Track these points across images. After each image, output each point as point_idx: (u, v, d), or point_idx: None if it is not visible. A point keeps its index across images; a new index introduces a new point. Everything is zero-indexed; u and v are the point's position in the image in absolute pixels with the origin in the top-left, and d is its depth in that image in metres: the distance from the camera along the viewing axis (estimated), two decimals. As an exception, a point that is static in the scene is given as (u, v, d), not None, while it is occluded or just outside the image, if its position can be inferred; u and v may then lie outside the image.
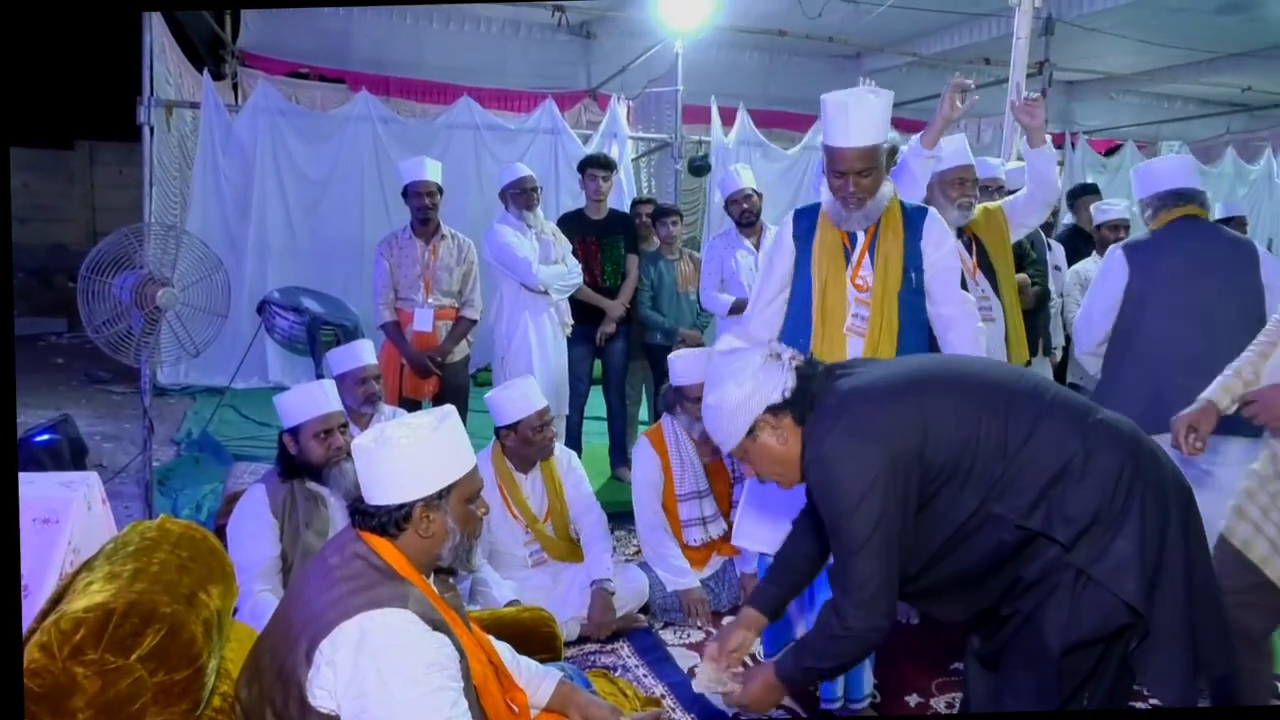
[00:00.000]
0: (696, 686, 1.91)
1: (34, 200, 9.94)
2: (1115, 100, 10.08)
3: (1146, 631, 1.53)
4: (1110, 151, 9.41)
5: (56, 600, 1.44)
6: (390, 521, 1.60)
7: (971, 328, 2.50)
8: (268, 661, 1.55)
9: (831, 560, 1.67)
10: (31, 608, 1.42)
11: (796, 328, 2.48)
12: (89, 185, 10.83)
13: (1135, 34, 7.64)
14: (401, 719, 1.44)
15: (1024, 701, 1.58)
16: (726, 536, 3.32)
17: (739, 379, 1.66)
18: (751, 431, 1.67)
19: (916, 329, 2.43)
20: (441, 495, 1.62)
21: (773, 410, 1.65)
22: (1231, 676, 1.68)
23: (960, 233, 3.12)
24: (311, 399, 2.64)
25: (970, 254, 3.16)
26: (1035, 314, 3.81)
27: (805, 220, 2.51)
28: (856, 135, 2.25)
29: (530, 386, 3.16)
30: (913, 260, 2.41)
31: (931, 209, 2.53)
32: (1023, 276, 3.43)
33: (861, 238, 2.43)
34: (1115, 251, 2.93)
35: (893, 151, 2.58)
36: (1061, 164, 8.22)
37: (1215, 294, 2.72)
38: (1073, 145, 8.70)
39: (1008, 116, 4.49)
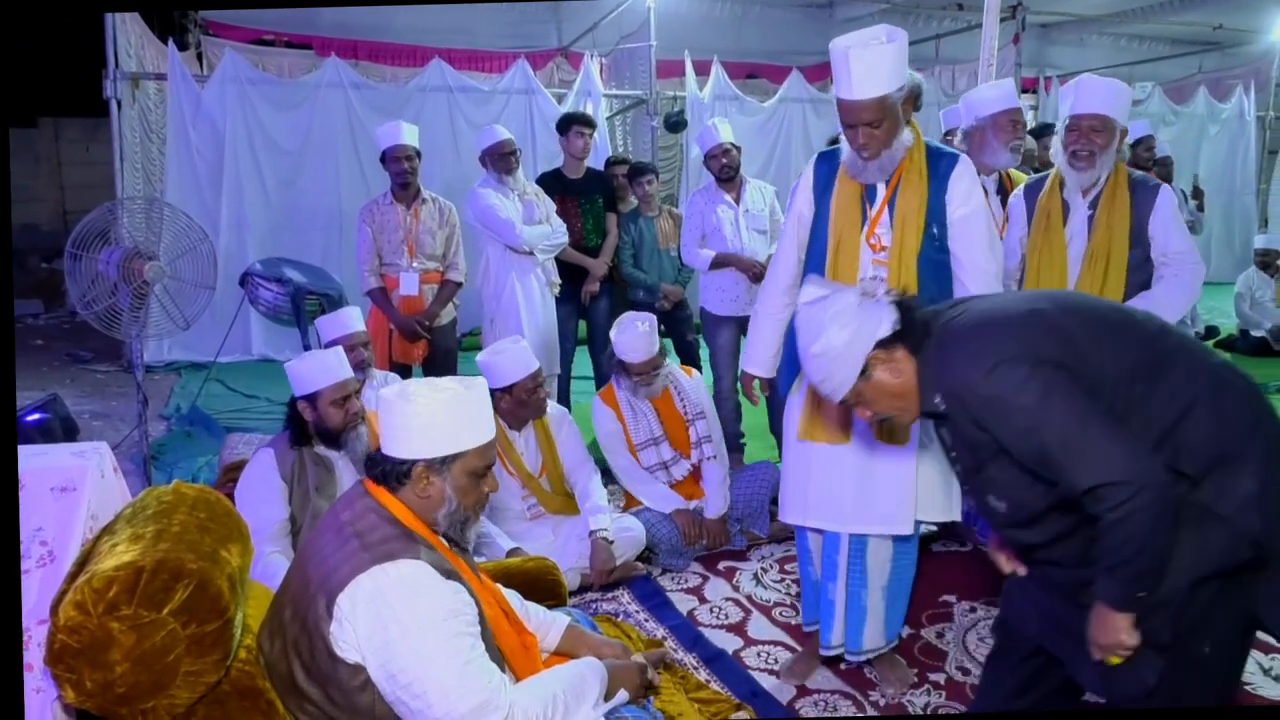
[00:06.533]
0: None
1: (1, 180, 9.74)
2: (1088, 42, 10.11)
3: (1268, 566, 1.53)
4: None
5: (82, 563, 1.49)
6: (392, 473, 1.64)
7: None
8: (289, 616, 1.60)
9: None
10: (58, 572, 1.47)
11: None
12: (56, 163, 10.64)
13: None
14: (424, 666, 1.49)
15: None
16: (695, 476, 3.45)
17: (840, 321, 1.59)
18: (865, 371, 1.61)
19: (941, 294, 2.18)
20: (445, 461, 1.64)
21: (883, 344, 1.59)
22: None
23: (1000, 185, 3.06)
24: (327, 367, 2.67)
25: (1003, 208, 3.00)
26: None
27: (825, 169, 2.32)
28: (860, 87, 2.05)
29: (523, 350, 3.19)
30: (935, 215, 2.21)
31: (964, 157, 2.29)
32: None
33: (881, 191, 2.22)
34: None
35: (915, 95, 2.33)
36: (1035, 108, 8.25)
37: None
38: (1046, 89, 8.74)
39: (982, 64, 4.52)
